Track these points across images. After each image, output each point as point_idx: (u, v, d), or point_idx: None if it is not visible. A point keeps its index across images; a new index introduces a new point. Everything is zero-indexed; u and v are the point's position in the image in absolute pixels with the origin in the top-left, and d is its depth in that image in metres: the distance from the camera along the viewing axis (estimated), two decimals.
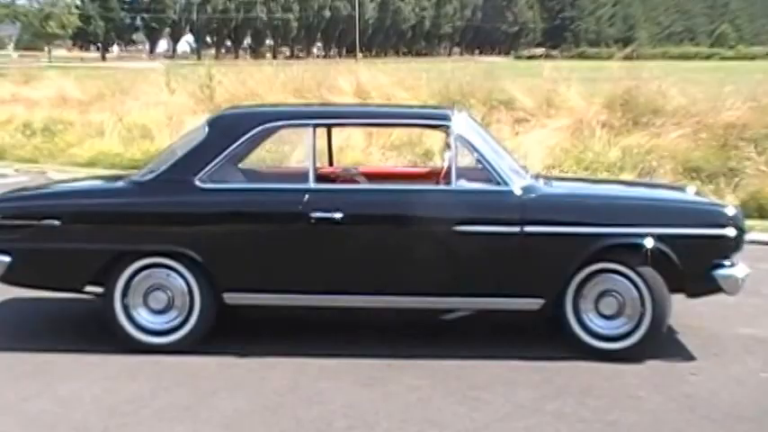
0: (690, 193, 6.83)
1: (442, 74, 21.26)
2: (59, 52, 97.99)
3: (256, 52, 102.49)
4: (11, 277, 6.11)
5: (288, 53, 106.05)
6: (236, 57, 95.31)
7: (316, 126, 6.21)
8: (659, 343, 6.01)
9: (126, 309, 6.02)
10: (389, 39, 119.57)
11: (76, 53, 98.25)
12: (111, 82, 27.11)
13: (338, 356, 5.94)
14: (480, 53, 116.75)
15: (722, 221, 6.01)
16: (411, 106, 8.05)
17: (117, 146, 18.70)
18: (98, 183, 6.97)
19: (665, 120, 15.99)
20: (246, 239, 5.99)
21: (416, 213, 5.98)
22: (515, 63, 62.03)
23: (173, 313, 6.04)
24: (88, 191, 6.64)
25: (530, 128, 17.01)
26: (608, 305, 5.99)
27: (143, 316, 6.04)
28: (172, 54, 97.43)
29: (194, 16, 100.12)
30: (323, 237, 5.92)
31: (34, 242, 6.03)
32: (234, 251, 5.98)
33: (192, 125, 16.39)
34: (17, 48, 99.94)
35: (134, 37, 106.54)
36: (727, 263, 5.97)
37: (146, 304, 6.04)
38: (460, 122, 6.18)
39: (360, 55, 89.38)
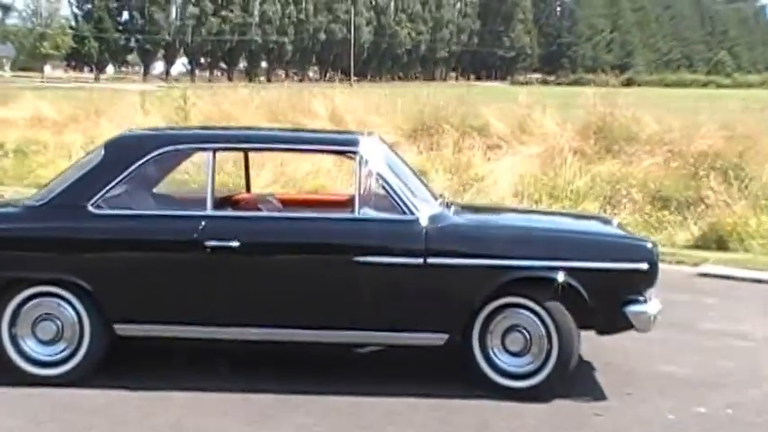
0: (612, 226, 6.62)
1: (417, 99, 21.21)
2: (57, 73, 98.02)
3: (250, 75, 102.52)
4: None
5: (283, 76, 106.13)
6: (230, 79, 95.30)
7: (215, 150, 6.01)
8: (568, 381, 5.79)
9: (14, 339, 5.81)
10: (385, 63, 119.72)
11: (71, 74, 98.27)
12: (88, 103, 27.04)
13: (230, 391, 5.69)
14: (477, 78, 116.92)
15: (634, 256, 5.80)
16: (321, 131, 7.84)
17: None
18: None
19: (637, 148, 15.90)
20: (139, 268, 5.76)
21: (316, 242, 5.78)
22: (510, 88, 62.04)
23: (62, 344, 5.81)
24: None
25: (502, 154, 16.91)
26: (514, 341, 5.77)
27: (31, 347, 5.83)
28: (166, 76, 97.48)
29: (188, 38, 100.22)
30: (219, 266, 5.70)
31: None
32: (126, 280, 5.75)
33: None
34: (13, 68, 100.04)
35: (129, 58, 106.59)
36: (639, 299, 5.76)
37: (34, 334, 5.82)
38: (368, 148, 5.99)
39: (354, 78, 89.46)
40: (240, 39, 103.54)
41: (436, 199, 6.38)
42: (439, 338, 5.78)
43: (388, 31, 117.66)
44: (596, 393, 5.89)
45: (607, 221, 6.79)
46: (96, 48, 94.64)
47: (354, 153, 5.93)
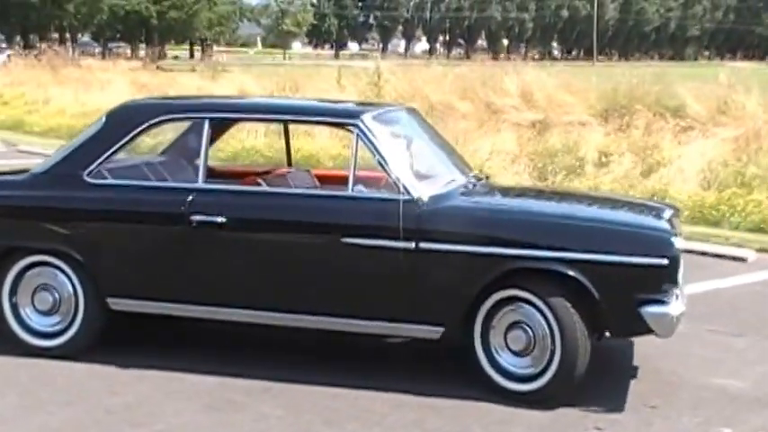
0: (655, 217, 5.71)
1: (611, 78, 20.36)
2: (305, 50, 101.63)
3: (490, 52, 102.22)
4: None
5: (523, 53, 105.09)
6: (468, 57, 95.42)
7: (211, 120, 5.83)
8: (578, 387, 5.23)
9: (14, 308, 5.89)
10: (631, 41, 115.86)
11: (315, 51, 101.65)
12: (287, 78, 27.77)
13: (204, 374, 5.54)
14: (732, 58, 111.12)
15: (650, 249, 5.11)
16: (323, 101, 7.44)
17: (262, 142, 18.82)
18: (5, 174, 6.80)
19: None
20: (129, 241, 5.71)
21: (303, 221, 5.50)
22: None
23: (58, 316, 5.84)
24: None
25: (693, 137, 15.86)
26: (516, 339, 5.27)
27: (30, 316, 5.89)
28: (405, 53, 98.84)
29: (427, 15, 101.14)
30: (204, 242, 5.55)
31: None
32: (117, 253, 5.71)
33: None
34: (264, 46, 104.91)
35: (368, 36, 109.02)
36: (658, 298, 5.10)
37: (33, 304, 5.88)
38: (369, 122, 5.59)
39: (598, 57, 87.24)
40: (479, 16, 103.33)
41: (466, 177, 5.96)
42: (434, 331, 5.36)
43: (635, 7, 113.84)
44: (612, 404, 5.28)
45: (659, 212, 5.94)
46: (336, 25, 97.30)
47: (353, 126, 5.57)
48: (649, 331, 5.15)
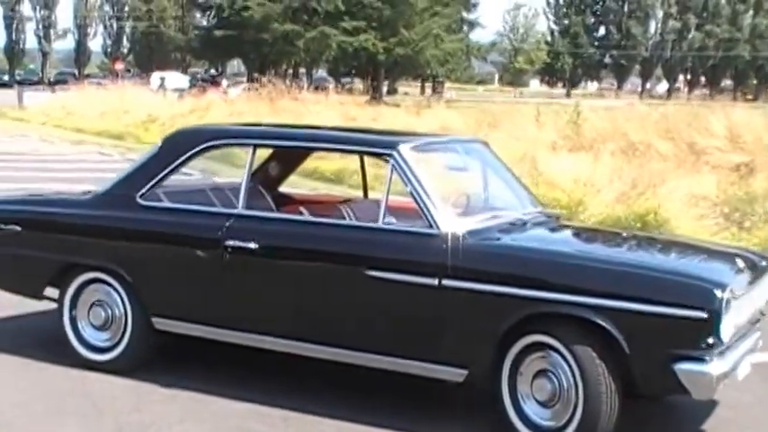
0: (715, 267, 5.33)
1: None
2: (541, 88, 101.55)
3: (735, 93, 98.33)
4: None
5: None
6: (712, 97, 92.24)
7: (255, 146, 5.95)
8: None
9: (73, 321, 6.20)
10: None
11: (547, 89, 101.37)
12: (487, 115, 27.86)
13: (233, 399, 5.64)
14: None
15: (687, 300, 4.72)
16: (363, 131, 7.29)
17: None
18: (69, 193, 7.14)
19: None
20: (172, 263, 5.91)
21: (331, 251, 5.51)
22: None
23: (110, 332, 6.11)
24: (50, 200, 6.86)
25: None
26: (541, 388, 5.03)
27: (85, 330, 6.19)
28: (641, 92, 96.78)
29: (667, 53, 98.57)
30: (238, 268, 5.66)
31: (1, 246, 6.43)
32: (160, 274, 5.93)
33: (545, 161, 16.41)
34: (501, 84, 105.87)
35: (602, 74, 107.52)
36: (695, 355, 4.71)
37: (89, 319, 6.17)
38: (406, 152, 5.51)
39: None
40: (725, 54, 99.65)
41: (525, 213, 5.94)
42: (458, 374, 5.21)
43: None
44: None
45: (731, 262, 5.38)
46: (570, 63, 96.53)
47: (389, 156, 5.53)
48: (684, 391, 4.78)
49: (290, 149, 6.62)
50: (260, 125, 7.21)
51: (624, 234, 6.60)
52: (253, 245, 5.58)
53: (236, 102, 37.51)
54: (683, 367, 4.70)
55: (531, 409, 5.09)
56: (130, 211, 6.03)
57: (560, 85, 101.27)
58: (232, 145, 6.32)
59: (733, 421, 5.62)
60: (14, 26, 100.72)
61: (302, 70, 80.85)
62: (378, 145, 5.85)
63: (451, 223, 5.29)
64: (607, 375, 4.84)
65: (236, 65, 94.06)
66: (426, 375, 5.33)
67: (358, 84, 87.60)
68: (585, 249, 5.70)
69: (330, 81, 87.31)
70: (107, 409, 5.47)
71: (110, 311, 6.10)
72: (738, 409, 5.71)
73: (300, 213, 6.03)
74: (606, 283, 4.92)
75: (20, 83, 70.48)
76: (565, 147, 20.27)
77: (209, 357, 6.32)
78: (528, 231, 5.68)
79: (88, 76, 79.40)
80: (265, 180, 6.88)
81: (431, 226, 5.28)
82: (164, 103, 38.61)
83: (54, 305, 6.32)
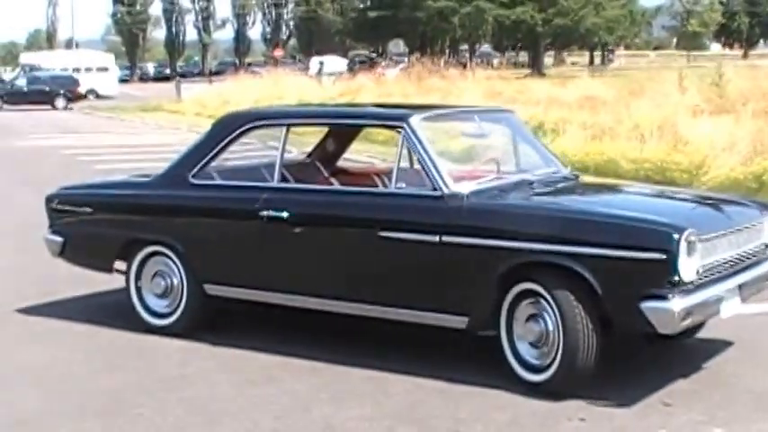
0: (702, 211, 6.10)
1: None
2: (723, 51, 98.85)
3: None
4: (65, 257, 7.57)
5: None
6: None
7: (288, 126, 6.77)
8: (574, 380, 5.54)
9: (138, 290, 7.15)
10: None
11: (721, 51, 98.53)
12: (633, 83, 27.82)
13: (273, 353, 6.43)
14: None
15: (646, 242, 5.31)
16: (381, 105, 7.91)
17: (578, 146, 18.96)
18: (136, 177, 7.94)
19: None
20: (218, 234, 6.76)
21: (345, 216, 6.28)
22: None
23: (169, 299, 7.01)
24: (117, 183, 7.85)
25: None
26: (530, 331, 5.69)
27: (149, 299, 7.11)
28: None
29: None
30: (271, 236, 6.47)
31: (75, 227, 7.45)
32: (209, 244, 6.78)
33: (685, 126, 16.60)
34: (678, 48, 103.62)
35: None
36: (658, 293, 5.27)
37: (151, 288, 7.10)
38: (416, 123, 6.19)
39: None
40: None
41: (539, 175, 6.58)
42: (460, 321, 5.90)
43: None
44: (625, 398, 5.52)
45: (713, 205, 6.21)
46: (746, 23, 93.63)
47: (400, 128, 6.23)
48: (651, 327, 5.34)
49: (316, 126, 7.44)
50: (291, 107, 8.03)
51: (624, 187, 7.16)
52: (285, 214, 6.39)
53: (388, 83, 38.29)
54: (647, 305, 5.29)
55: (524, 349, 5.74)
56: (183, 189, 6.92)
57: (737, 46, 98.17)
58: (268, 126, 7.10)
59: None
60: (174, 19, 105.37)
61: (465, 47, 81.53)
62: (390, 118, 6.61)
63: (454, 186, 5.96)
64: (584, 316, 5.45)
65: (400, 44, 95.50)
66: (434, 324, 6.04)
67: (524, 56, 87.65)
68: (567, 203, 6.24)
69: (495, 55, 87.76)
70: (158, 365, 6.37)
71: (168, 281, 6.99)
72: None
73: (330, 184, 6.82)
74: (578, 231, 5.55)
75: (182, 75, 73.91)
76: (707, 110, 20.27)
77: (250, 321, 7.17)
78: (528, 191, 6.28)
79: (250, 64, 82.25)
80: (323, 156, 7.75)
81: (435, 189, 5.98)
82: (317, 87, 39.96)
83: (115, 284, 7.27)
